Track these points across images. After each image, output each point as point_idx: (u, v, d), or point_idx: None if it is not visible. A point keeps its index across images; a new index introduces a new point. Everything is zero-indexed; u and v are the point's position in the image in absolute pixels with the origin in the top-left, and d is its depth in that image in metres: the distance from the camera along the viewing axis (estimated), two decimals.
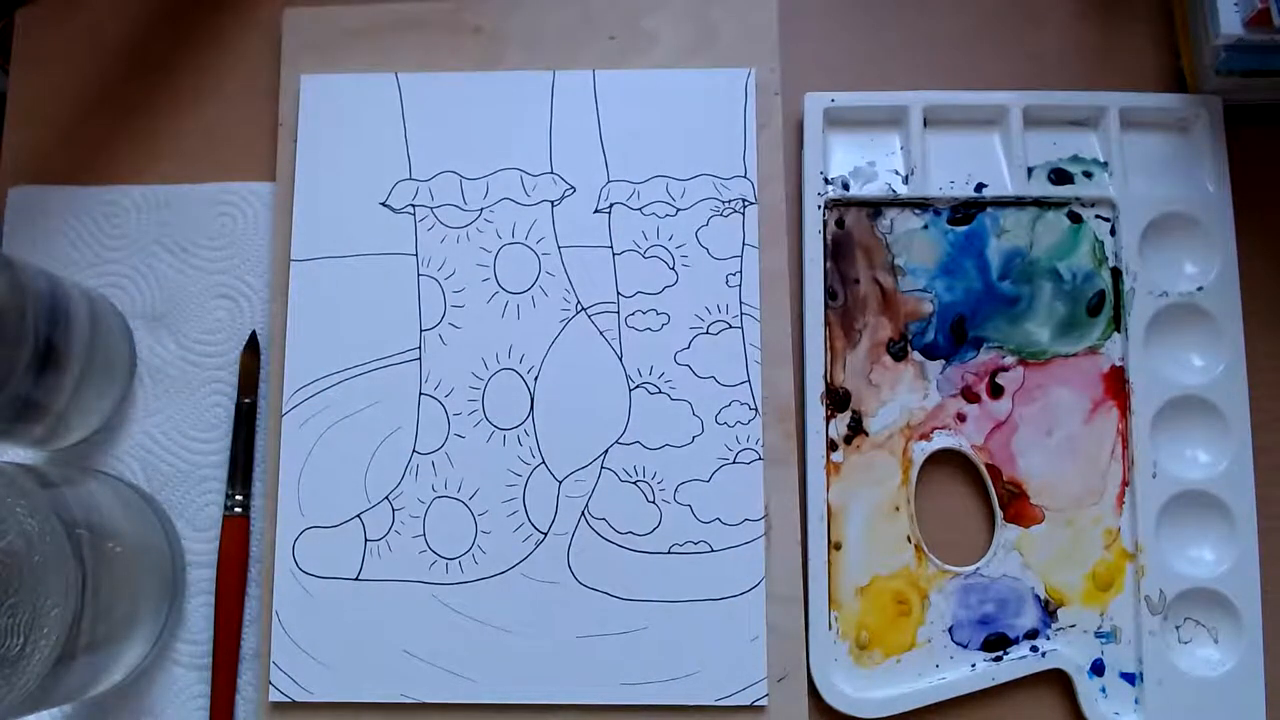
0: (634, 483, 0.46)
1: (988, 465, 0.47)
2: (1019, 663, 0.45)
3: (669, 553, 0.45)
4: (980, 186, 0.48)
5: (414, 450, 0.46)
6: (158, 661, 0.46)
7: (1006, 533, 0.46)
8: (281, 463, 0.46)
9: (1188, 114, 0.49)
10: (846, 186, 0.49)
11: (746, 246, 0.48)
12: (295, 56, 0.50)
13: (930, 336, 0.48)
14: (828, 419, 0.47)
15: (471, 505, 0.46)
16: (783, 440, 0.46)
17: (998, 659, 0.45)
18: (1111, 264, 0.48)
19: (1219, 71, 0.48)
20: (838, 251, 0.49)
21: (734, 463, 0.46)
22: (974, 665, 0.45)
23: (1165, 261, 0.48)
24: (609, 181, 0.48)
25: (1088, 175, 0.49)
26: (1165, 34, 0.51)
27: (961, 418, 0.47)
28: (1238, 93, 0.49)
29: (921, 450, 0.47)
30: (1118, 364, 0.47)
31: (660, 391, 0.47)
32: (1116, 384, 0.47)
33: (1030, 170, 0.49)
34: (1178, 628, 0.46)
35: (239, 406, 0.48)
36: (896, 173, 0.49)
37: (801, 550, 0.45)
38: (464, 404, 0.47)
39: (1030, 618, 0.46)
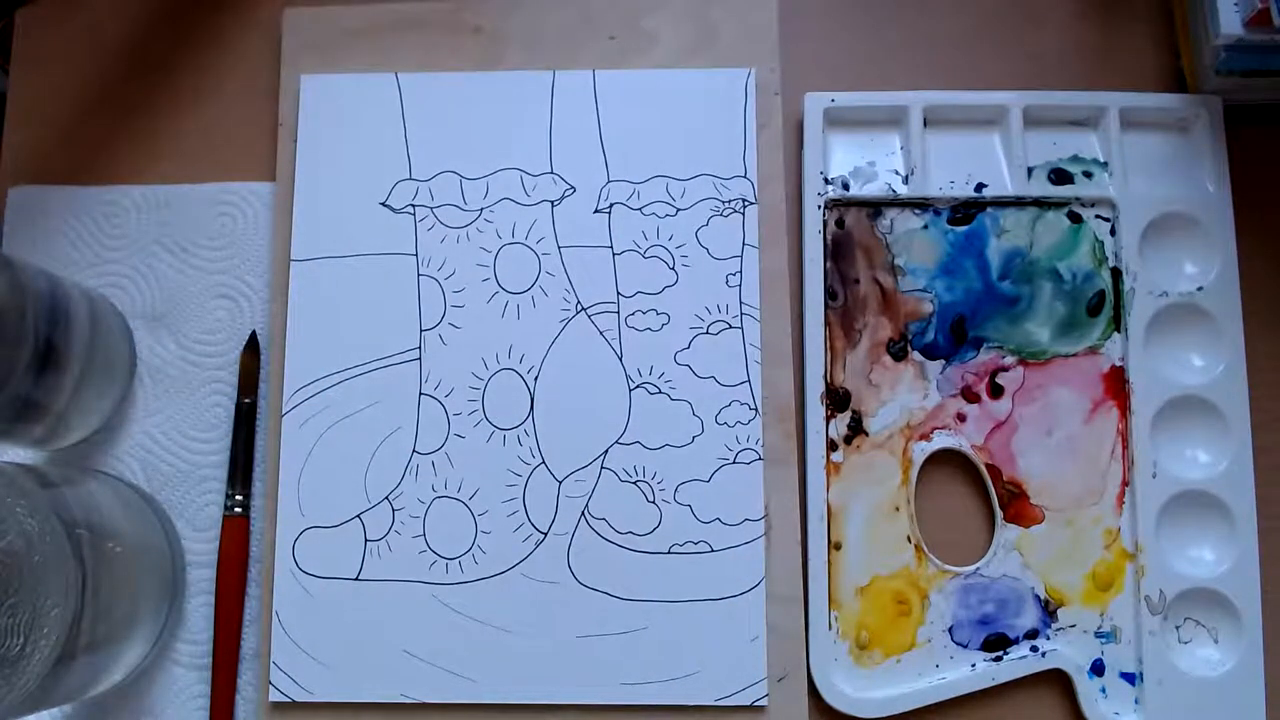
0: (634, 483, 0.46)
1: (988, 465, 0.47)
2: (1019, 663, 0.45)
3: (669, 553, 0.45)
4: (980, 186, 0.48)
5: (414, 450, 0.46)
6: (158, 661, 0.46)
7: (1006, 533, 0.46)
8: (281, 463, 0.46)
9: (1188, 114, 0.49)
10: (846, 186, 0.49)
11: (746, 246, 0.48)
12: (295, 56, 0.50)
13: (930, 336, 0.48)
14: (828, 419, 0.47)
15: (471, 505, 0.46)
16: (783, 440, 0.46)
17: (998, 659, 0.45)
18: (1111, 264, 0.48)
19: (1219, 71, 0.48)
20: (838, 251, 0.48)
21: (734, 463, 0.46)
22: (974, 665, 0.45)
23: (1165, 261, 0.48)
24: (609, 181, 0.48)
25: (1088, 175, 0.49)
26: (1165, 34, 0.51)
27: (961, 418, 0.47)
28: (1238, 93, 0.49)
29: (921, 450, 0.47)
30: (1118, 364, 0.47)
31: (660, 391, 0.47)
32: (1116, 384, 0.47)
33: (1030, 170, 0.49)
34: (1178, 628, 0.46)
35: (239, 406, 0.48)
36: (896, 173, 0.49)
37: (801, 550, 0.45)
38: (464, 404, 0.47)
39: (1030, 618, 0.46)
